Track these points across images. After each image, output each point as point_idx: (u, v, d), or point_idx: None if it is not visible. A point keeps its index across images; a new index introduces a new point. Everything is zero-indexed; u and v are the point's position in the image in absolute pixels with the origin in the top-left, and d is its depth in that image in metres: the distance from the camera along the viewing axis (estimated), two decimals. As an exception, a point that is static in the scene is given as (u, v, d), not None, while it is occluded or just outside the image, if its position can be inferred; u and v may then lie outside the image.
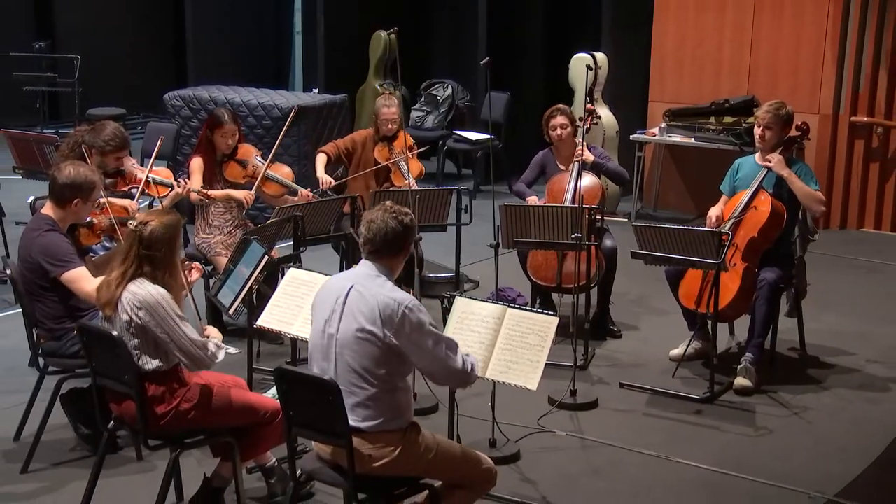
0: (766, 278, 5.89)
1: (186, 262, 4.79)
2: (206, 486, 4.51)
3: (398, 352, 3.84)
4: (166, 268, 4.28)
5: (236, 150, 6.60)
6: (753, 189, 6.01)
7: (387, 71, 11.44)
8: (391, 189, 6.91)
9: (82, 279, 4.91)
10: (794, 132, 6.22)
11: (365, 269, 3.96)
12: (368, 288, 3.88)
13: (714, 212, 6.14)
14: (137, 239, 4.24)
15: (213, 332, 4.51)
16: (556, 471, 5.04)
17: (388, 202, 4.06)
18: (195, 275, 4.80)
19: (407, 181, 6.89)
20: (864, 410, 5.75)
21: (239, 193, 6.50)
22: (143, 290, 4.22)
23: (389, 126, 7.14)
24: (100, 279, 4.82)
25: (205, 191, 6.34)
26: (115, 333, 4.26)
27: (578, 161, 6.46)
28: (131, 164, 6.18)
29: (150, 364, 4.24)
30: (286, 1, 13.68)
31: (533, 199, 6.65)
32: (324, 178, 6.93)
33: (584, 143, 6.56)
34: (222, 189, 6.53)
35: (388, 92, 7.36)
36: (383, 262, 3.96)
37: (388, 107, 7.14)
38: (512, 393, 4.61)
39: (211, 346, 4.30)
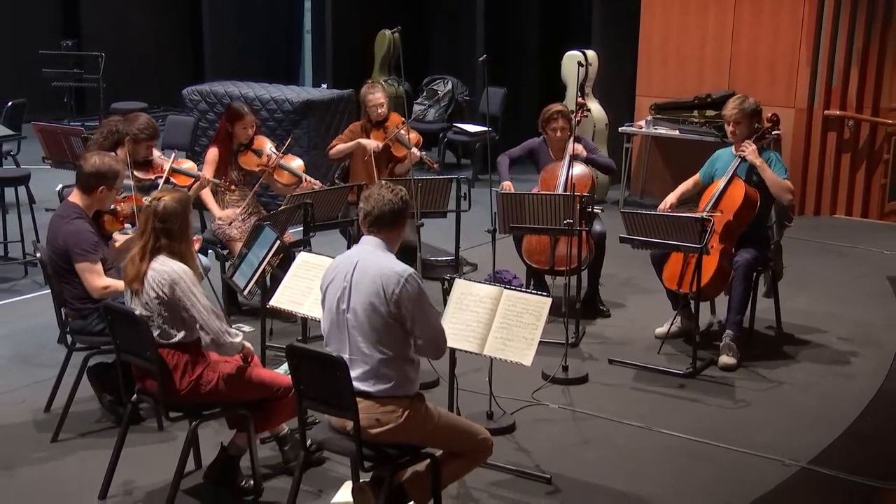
0: (743, 259, 5.90)
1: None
2: (222, 455, 4.51)
3: (402, 320, 3.85)
4: (182, 239, 4.32)
5: (252, 141, 6.61)
6: (728, 177, 6.02)
7: (391, 67, 11.41)
8: (397, 179, 6.89)
9: (93, 272, 4.92)
10: (765, 123, 6.22)
11: (367, 245, 3.97)
12: (371, 263, 3.89)
13: (670, 199, 6.23)
14: (153, 214, 4.29)
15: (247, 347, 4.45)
16: (550, 441, 5.05)
17: (383, 181, 4.12)
18: (196, 245, 4.81)
19: (407, 149, 6.98)
20: (835, 384, 5.75)
21: (224, 212, 6.42)
22: (167, 266, 4.26)
23: (378, 111, 7.18)
24: (110, 280, 4.86)
25: (223, 183, 6.36)
26: (137, 312, 4.27)
27: (571, 155, 6.48)
28: (157, 155, 6.19)
29: (177, 335, 4.27)
30: (296, 2, 13.63)
31: (507, 186, 6.56)
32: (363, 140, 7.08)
33: (575, 138, 6.58)
34: (237, 175, 6.54)
35: (370, 82, 7.46)
36: (382, 234, 3.97)
37: (374, 93, 7.19)
38: (508, 368, 4.61)
39: (233, 338, 4.29)
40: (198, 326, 4.26)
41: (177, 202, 4.33)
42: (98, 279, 4.90)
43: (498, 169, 6.84)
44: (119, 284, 4.86)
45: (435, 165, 7.41)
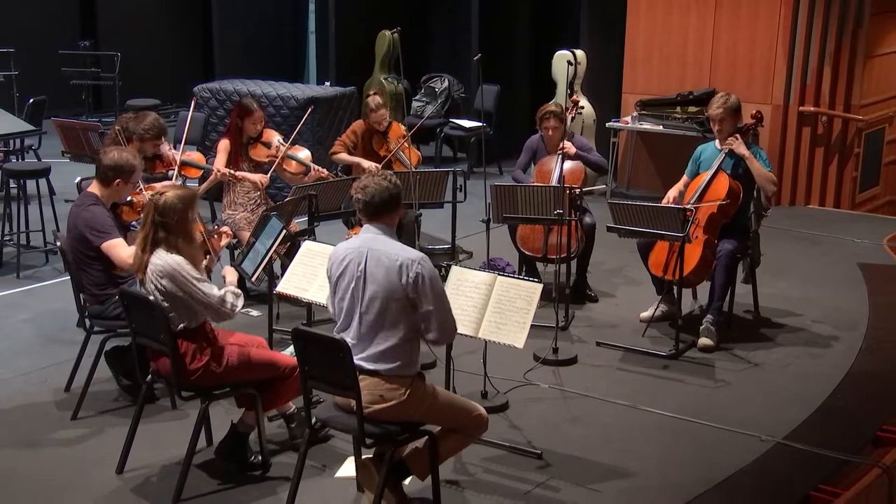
0: (725, 248, 5.89)
1: (216, 227, 4.75)
2: (232, 432, 4.52)
3: (417, 304, 3.84)
4: (179, 234, 4.25)
5: (261, 134, 6.61)
6: (714, 170, 6.00)
7: (391, 66, 11.36)
8: (396, 172, 6.87)
9: (118, 247, 4.91)
10: (749, 120, 6.20)
11: (372, 233, 3.95)
12: (382, 251, 3.87)
13: (672, 193, 6.14)
14: (153, 207, 4.25)
15: (230, 275, 4.46)
16: (540, 419, 5.05)
17: (372, 170, 4.05)
18: (224, 240, 4.79)
19: (407, 170, 6.96)
20: (809, 364, 5.76)
21: (254, 176, 6.50)
22: (161, 260, 4.22)
23: (381, 125, 7.16)
24: (133, 248, 4.85)
25: (227, 171, 6.36)
26: (151, 298, 4.26)
27: (562, 153, 6.47)
28: (167, 148, 6.18)
29: (180, 324, 4.25)
30: (302, 4, 13.57)
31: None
32: (363, 162, 7.01)
33: (569, 135, 6.58)
34: (247, 167, 6.54)
35: (372, 93, 7.39)
36: (383, 221, 3.95)
37: (376, 111, 7.10)
38: (501, 350, 4.61)
39: (229, 298, 4.29)
40: (200, 308, 4.24)
41: (177, 198, 4.25)
42: (122, 251, 4.89)
43: (518, 183, 6.72)
44: None
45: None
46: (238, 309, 4.36)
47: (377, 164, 6.98)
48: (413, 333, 3.90)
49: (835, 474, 4.55)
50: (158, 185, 5.69)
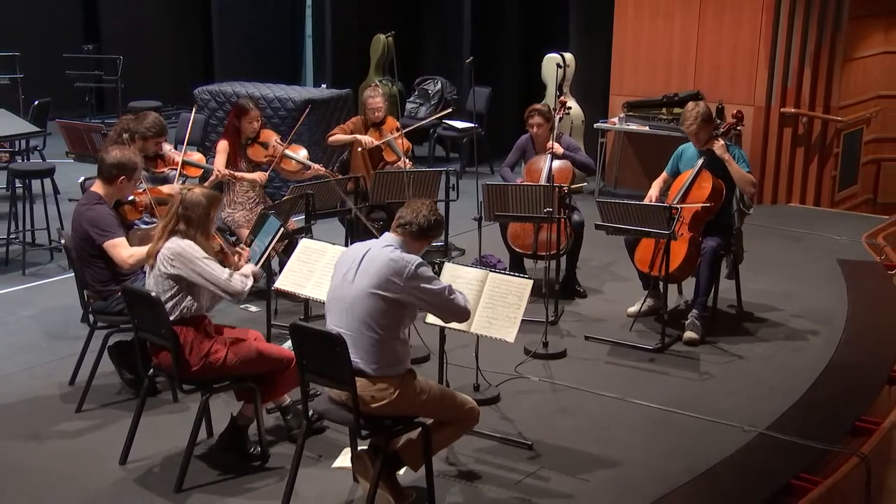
0: (709, 245, 5.90)
1: (240, 247, 4.75)
2: (232, 424, 4.51)
3: (403, 305, 3.84)
4: (198, 229, 4.31)
5: (259, 135, 6.59)
6: (697, 170, 6.00)
7: (385, 69, 11.35)
8: (390, 171, 6.86)
9: (119, 247, 4.90)
10: (730, 120, 6.20)
11: (385, 240, 3.96)
12: (382, 252, 3.88)
13: (653, 192, 6.18)
14: (180, 200, 4.33)
15: (247, 268, 4.48)
16: (531, 411, 5.05)
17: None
18: (242, 261, 4.79)
19: (397, 157, 7.05)
20: (790, 358, 5.77)
21: (253, 175, 6.49)
22: (174, 244, 4.28)
23: (376, 114, 7.18)
24: (134, 248, 4.85)
25: (227, 171, 6.36)
26: (153, 294, 4.26)
27: (550, 153, 6.47)
28: (168, 149, 6.17)
29: (181, 306, 4.26)
30: (299, 7, 13.54)
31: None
32: (360, 137, 7.05)
33: (555, 136, 6.58)
34: (246, 167, 6.53)
35: (373, 85, 7.45)
36: (405, 238, 3.96)
37: (373, 97, 7.19)
38: (493, 344, 4.61)
39: (237, 277, 4.34)
40: (212, 287, 4.26)
41: (203, 196, 4.36)
42: (123, 251, 4.89)
43: (505, 180, 6.79)
44: (142, 249, 4.86)
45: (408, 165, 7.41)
46: (248, 287, 4.38)
47: (372, 139, 7.02)
48: (397, 332, 3.89)
49: (815, 463, 4.56)
50: (163, 188, 5.69)
